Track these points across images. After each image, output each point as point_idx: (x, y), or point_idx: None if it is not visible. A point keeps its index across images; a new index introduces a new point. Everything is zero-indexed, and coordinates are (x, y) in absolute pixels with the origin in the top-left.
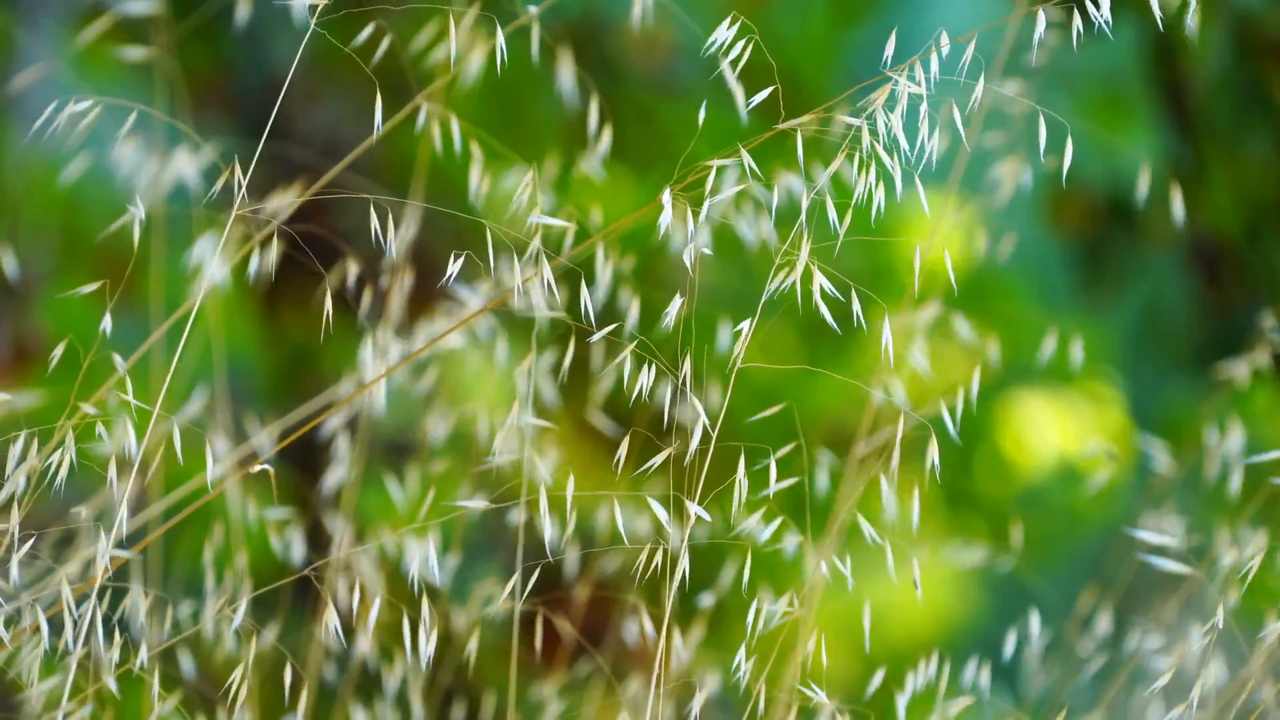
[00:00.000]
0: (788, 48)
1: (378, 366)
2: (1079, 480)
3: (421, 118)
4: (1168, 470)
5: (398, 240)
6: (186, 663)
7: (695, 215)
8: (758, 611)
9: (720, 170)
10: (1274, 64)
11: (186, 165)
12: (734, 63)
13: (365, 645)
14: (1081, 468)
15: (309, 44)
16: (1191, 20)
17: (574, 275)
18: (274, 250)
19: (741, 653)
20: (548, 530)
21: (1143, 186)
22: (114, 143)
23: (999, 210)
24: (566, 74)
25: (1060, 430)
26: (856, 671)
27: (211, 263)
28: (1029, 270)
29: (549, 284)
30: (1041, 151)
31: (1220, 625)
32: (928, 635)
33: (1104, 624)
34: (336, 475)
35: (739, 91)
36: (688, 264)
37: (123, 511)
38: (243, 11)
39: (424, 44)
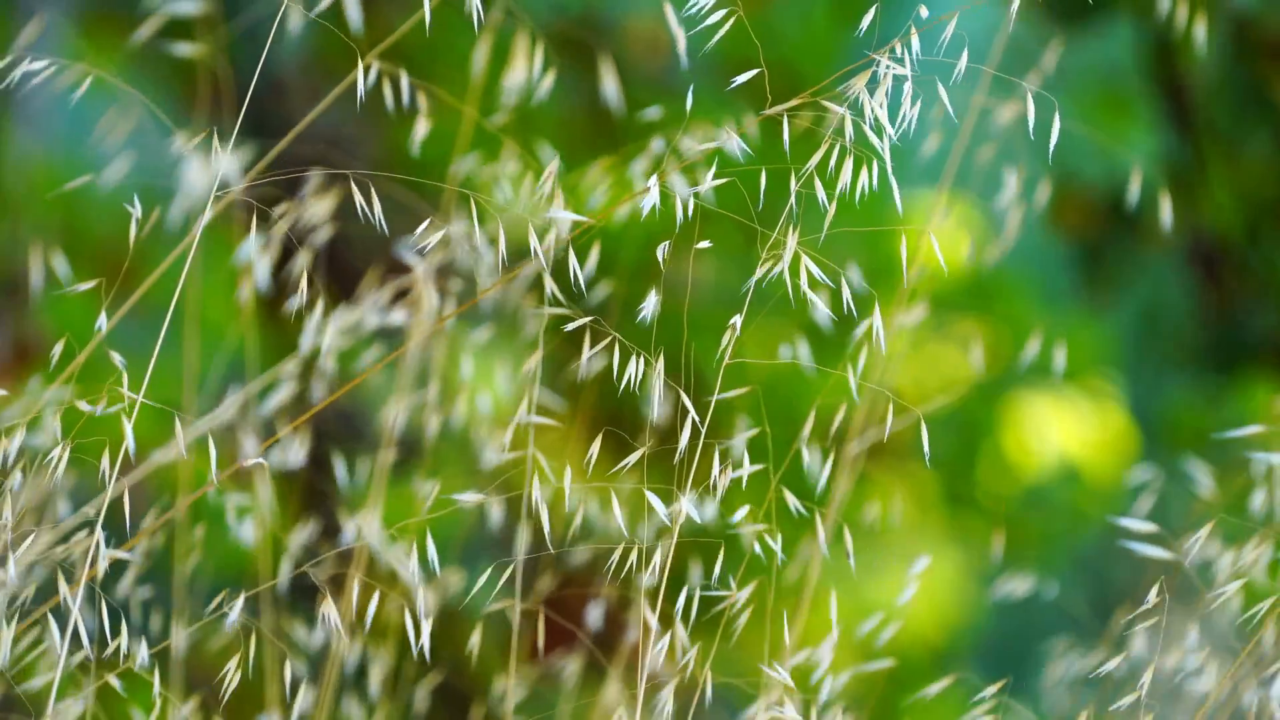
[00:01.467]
0: (787, 47)
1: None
2: (1080, 480)
3: (372, 76)
4: (1210, 494)
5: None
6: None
7: (684, 202)
8: (689, 596)
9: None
10: (1274, 64)
11: (226, 164)
12: (714, 27)
13: (364, 641)
14: (1083, 468)
15: (309, 43)
16: (1192, 21)
17: (564, 266)
18: (304, 255)
19: (685, 637)
20: (545, 524)
21: (1136, 187)
22: (110, 136)
23: (998, 210)
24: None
25: (1062, 430)
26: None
27: (258, 266)
28: (1030, 270)
29: (575, 275)
30: (1031, 129)
31: (1165, 606)
32: (932, 638)
33: (1129, 639)
34: (287, 456)
35: (682, 44)
36: (659, 258)
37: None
38: (295, 21)
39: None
